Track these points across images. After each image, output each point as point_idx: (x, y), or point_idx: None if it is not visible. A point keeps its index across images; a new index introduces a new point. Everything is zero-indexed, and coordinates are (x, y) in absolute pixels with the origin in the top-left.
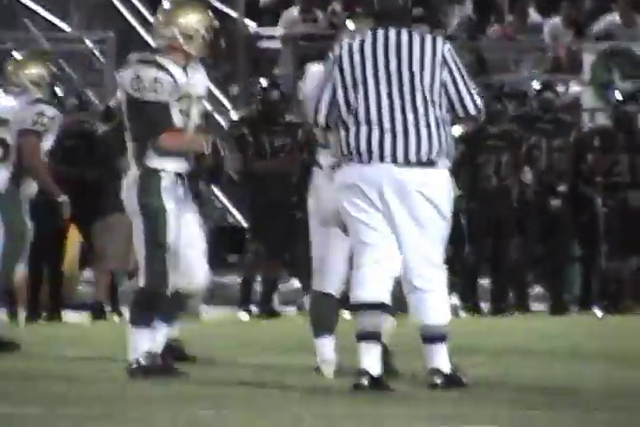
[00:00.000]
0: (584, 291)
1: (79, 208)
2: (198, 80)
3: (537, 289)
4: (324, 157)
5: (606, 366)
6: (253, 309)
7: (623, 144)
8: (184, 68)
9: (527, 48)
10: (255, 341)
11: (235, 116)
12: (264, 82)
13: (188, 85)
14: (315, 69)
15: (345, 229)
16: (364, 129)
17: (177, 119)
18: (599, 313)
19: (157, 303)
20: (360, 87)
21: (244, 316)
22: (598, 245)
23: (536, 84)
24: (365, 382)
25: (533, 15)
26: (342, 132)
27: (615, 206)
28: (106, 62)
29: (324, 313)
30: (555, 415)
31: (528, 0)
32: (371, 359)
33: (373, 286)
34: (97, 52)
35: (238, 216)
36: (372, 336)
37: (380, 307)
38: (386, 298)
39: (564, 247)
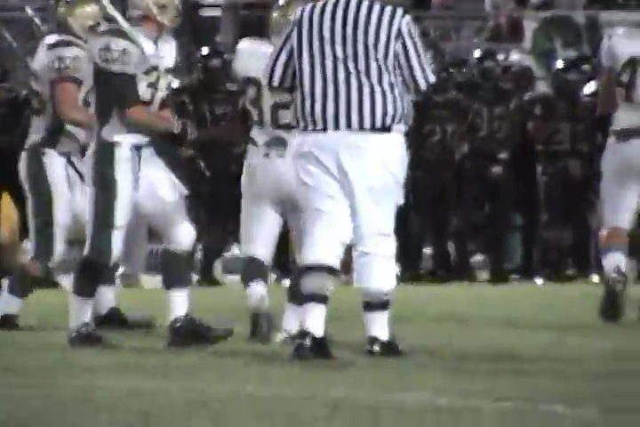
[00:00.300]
0: (525, 260)
1: (12, 178)
2: (167, 52)
3: (479, 257)
4: (259, 135)
5: (546, 334)
6: (194, 277)
7: (564, 112)
8: (155, 40)
9: (467, 16)
10: (196, 309)
11: (175, 84)
12: (205, 50)
13: (156, 57)
14: (244, 46)
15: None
16: (318, 95)
17: (144, 92)
18: (539, 282)
19: (100, 274)
20: (316, 52)
21: None
22: (538, 213)
23: (477, 53)
24: (307, 342)
25: None
26: (298, 98)
27: (555, 175)
28: (46, 30)
29: (254, 270)
30: (495, 383)
31: None
32: (314, 320)
33: (323, 250)
34: (37, 20)
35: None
36: (318, 298)
37: (327, 270)
38: (334, 263)
39: (505, 216)
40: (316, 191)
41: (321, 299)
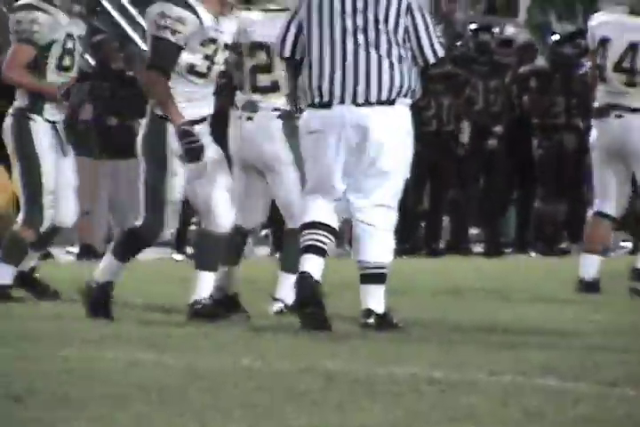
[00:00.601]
0: (520, 233)
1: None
2: (228, 28)
3: (473, 231)
4: (239, 99)
5: (541, 308)
6: (189, 250)
7: (559, 86)
8: (216, 15)
9: None
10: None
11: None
12: None
13: (215, 31)
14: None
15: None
16: (326, 67)
17: (200, 64)
18: (534, 255)
19: (145, 246)
20: (325, 24)
21: (179, 257)
22: (534, 187)
23: (472, 26)
24: (306, 281)
25: None
26: (305, 71)
27: (550, 148)
28: None
29: (231, 244)
30: (490, 356)
31: None
32: (311, 266)
33: (319, 213)
34: None
35: None
36: (315, 249)
37: (324, 227)
38: (333, 223)
39: (500, 189)
40: (319, 178)
41: (318, 251)
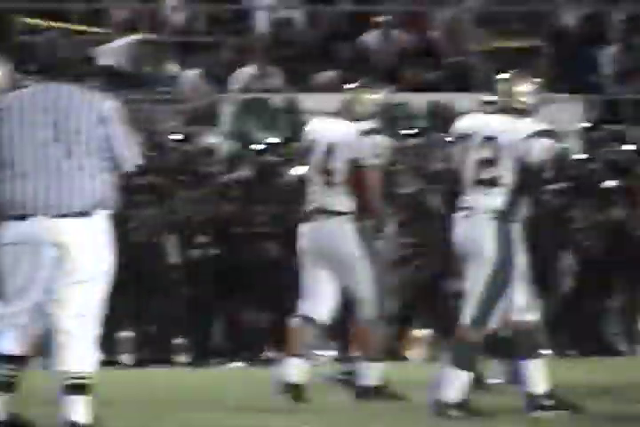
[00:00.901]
0: (225, 342)
1: None
2: None
3: (179, 340)
4: None
5: (250, 417)
6: None
7: (264, 195)
8: None
9: (164, 100)
10: None
11: None
12: None
13: None
14: None
15: None
16: (19, 182)
17: None
18: (242, 364)
19: None
20: (17, 140)
21: None
22: (239, 295)
23: (175, 136)
24: None
25: (170, 67)
26: (2, 184)
27: (254, 257)
28: None
29: None
30: None
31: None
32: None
33: (10, 339)
34: None
35: None
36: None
37: (14, 359)
38: (14, 350)
39: (206, 298)
40: (16, 291)
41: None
